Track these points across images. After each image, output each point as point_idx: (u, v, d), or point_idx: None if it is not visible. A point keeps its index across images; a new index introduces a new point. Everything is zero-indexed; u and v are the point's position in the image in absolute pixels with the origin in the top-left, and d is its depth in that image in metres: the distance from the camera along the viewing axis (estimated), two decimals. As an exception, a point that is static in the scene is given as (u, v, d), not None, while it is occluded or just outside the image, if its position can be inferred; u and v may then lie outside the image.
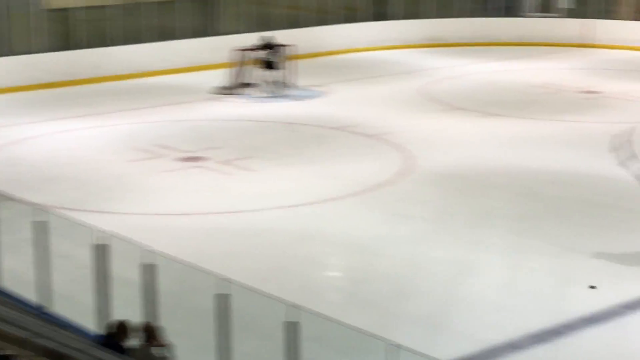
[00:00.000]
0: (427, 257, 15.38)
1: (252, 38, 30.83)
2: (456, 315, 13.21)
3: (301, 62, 30.42)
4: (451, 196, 18.53)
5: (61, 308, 12.60)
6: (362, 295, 14.09)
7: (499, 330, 12.66)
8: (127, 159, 21.23)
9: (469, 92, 28.36)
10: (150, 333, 9.93)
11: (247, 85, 28.37)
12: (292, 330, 9.34)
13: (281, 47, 27.85)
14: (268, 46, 27.39)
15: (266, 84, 27.50)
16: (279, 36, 29.33)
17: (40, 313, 12.35)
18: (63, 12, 30.95)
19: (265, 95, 27.45)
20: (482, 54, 34.14)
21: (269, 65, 27.38)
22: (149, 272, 11.02)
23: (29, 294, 12.85)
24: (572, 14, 37.14)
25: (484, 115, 25.39)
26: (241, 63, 28.55)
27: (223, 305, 10.11)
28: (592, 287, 13.99)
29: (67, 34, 30.82)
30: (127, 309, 11.17)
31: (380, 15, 36.47)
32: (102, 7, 30.96)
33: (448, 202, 18.16)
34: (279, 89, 27.61)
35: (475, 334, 12.59)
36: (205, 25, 33.35)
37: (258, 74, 27.85)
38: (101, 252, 11.61)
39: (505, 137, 23.05)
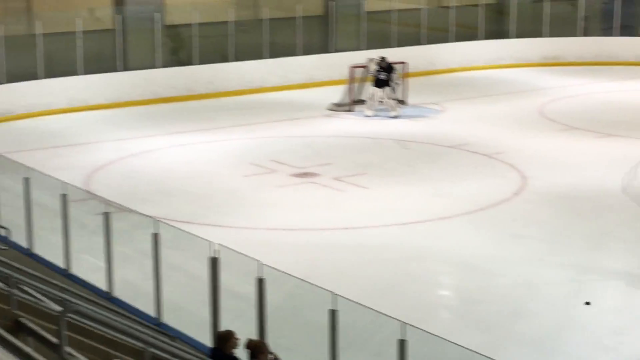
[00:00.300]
0: (541, 278, 15.16)
1: (369, 55, 30.94)
2: (570, 338, 12.99)
3: (417, 80, 30.36)
4: (566, 217, 18.24)
5: (175, 320, 12.75)
6: (473, 315, 13.97)
7: (614, 355, 12.41)
8: (241, 174, 21.44)
9: (587, 111, 27.90)
10: (259, 348, 9.97)
11: (362, 102, 28.42)
12: (402, 348, 9.31)
13: (395, 65, 27.80)
14: (382, 64, 27.37)
15: (380, 102, 27.48)
16: (396, 53, 29.30)
17: (154, 324, 12.51)
18: (180, 28, 31.47)
19: (379, 112, 27.43)
20: (600, 74, 33.57)
21: (383, 82, 27.37)
22: (261, 285, 11.09)
23: (144, 305, 13.04)
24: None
25: (602, 135, 24.95)
26: (357, 80, 28.61)
27: (333, 321, 10.12)
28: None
29: (184, 49, 31.32)
30: (238, 322, 11.25)
31: (498, 33, 36.21)
32: (221, 23, 31.37)
33: (563, 223, 17.88)
34: (393, 107, 27.56)
35: (589, 357, 12.36)
36: (322, 42, 33.54)
37: (373, 91, 27.85)
38: (215, 265, 11.73)
39: (622, 158, 22.59)
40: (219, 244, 11.89)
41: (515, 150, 23.33)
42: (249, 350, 9.70)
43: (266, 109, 28.03)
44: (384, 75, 27.22)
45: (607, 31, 37.58)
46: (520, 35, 35.74)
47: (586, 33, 37.27)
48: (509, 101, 29.09)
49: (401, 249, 16.56)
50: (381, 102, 27.37)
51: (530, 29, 36.47)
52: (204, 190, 20.25)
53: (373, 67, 27.64)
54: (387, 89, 27.38)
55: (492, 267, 15.70)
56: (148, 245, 12.86)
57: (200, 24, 30.51)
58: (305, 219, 18.15)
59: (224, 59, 31.01)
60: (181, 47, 31.57)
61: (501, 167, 21.92)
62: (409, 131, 25.58)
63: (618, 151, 23.31)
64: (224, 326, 11.43)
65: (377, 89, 27.34)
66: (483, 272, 15.52)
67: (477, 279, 15.26)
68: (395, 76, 27.55)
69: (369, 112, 27.32)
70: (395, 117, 27.02)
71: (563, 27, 36.44)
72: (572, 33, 36.51)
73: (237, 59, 31.04)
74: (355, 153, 23.41)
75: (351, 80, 28.32)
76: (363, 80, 28.52)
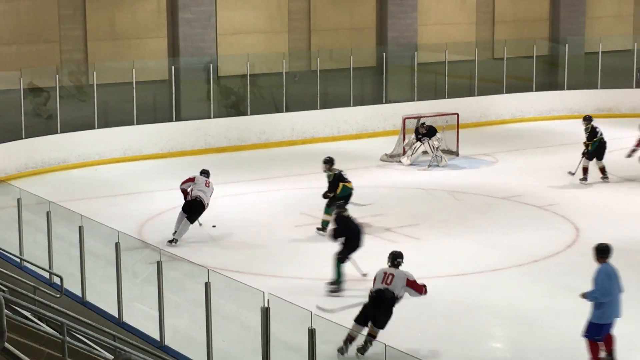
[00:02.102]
0: (595, 331, 14.96)
1: (423, 106, 31.05)
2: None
3: (468, 131, 30.33)
4: (620, 270, 18.00)
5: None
6: (526, 368, 13.82)
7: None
8: (293, 224, 21.48)
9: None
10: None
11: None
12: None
13: (435, 127, 27.77)
14: (421, 130, 27.39)
15: (433, 152, 27.49)
16: (448, 104, 29.43)
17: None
18: (234, 79, 31.76)
19: (432, 163, 27.42)
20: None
21: (432, 132, 27.39)
22: (312, 336, 11.07)
23: (195, 354, 13.06)
24: None
25: (657, 188, 24.75)
26: (411, 131, 28.69)
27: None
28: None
29: (237, 100, 31.60)
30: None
31: (550, 85, 36.18)
32: (274, 74, 31.65)
33: (617, 276, 17.66)
34: (445, 158, 27.55)
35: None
36: (375, 93, 33.68)
37: (426, 142, 27.91)
38: (266, 315, 11.73)
39: (678, 211, 22.40)
40: (271, 293, 11.90)
41: (568, 202, 23.18)
42: None
43: (318, 160, 27.99)
44: (425, 140, 27.25)
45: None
46: (573, 87, 35.66)
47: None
48: (562, 152, 28.91)
49: (453, 301, 16.47)
50: (434, 152, 27.35)
51: (584, 81, 36.39)
52: (256, 239, 20.30)
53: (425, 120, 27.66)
54: (439, 139, 27.40)
55: (545, 320, 15.56)
56: (200, 295, 12.90)
57: (253, 75, 30.78)
58: (356, 270, 18.09)
59: (277, 109, 31.24)
60: (234, 98, 31.85)
61: (554, 219, 21.78)
62: (461, 182, 25.53)
63: (673, 204, 23.11)
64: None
65: (430, 139, 27.37)
66: (536, 324, 15.39)
67: (529, 332, 15.13)
68: (437, 138, 27.52)
69: (424, 163, 27.33)
70: (448, 167, 26.99)
71: (617, 79, 36.29)
72: (626, 85, 36.35)
73: (290, 109, 31.25)
74: (408, 204, 23.39)
75: (404, 131, 28.36)
76: (417, 131, 28.65)
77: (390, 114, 31.65)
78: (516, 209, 22.81)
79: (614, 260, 17.99)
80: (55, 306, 12.86)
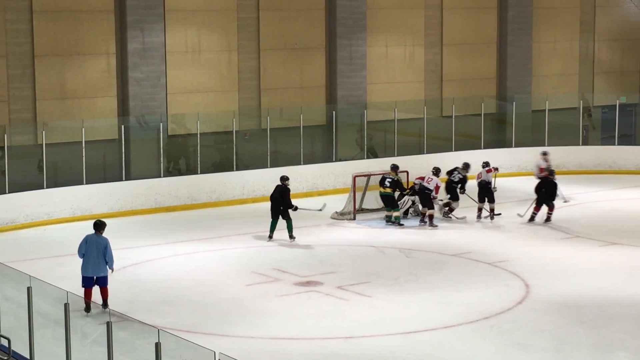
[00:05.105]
0: (547, 388, 15.02)
1: (373, 164, 31.20)
2: None
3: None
4: (571, 326, 18.15)
5: None
6: None
7: None
8: (244, 283, 21.40)
9: (590, 220, 27.96)
10: None
11: (366, 210, 28.60)
12: None
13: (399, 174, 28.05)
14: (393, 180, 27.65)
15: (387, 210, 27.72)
16: (397, 162, 29.52)
17: None
18: (183, 138, 31.75)
19: (384, 220, 27.58)
20: (602, 182, 33.75)
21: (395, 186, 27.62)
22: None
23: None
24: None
25: (605, 244, 24.96)
26: (361, 188, 28.84)
27: None
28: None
29: (187, 159, 31.58)
30: None
31: (499, 142, 36.55)
32: (224, 132, 31.68)
33: (567, 332, 17.78)
34: (397, 216, 27.72)
35: None
36: (325, 151, 33.81)
37: (378, 199, 28.09)
38: (217, 375, 11.63)
39: (626, 267, 22.58)
40: (222, 353, 11.81)
41: (518, 258, 23.32)
42: None
43: (269, 218, 28.07)
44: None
45: (607, 140, 37.91)
46: (521, 144, 36.05)
47: (586, 142, 37.62)
48: (510, 210, 29.15)
49: (405, 359, 16.43)
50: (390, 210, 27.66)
51: (531, 138, 36.81)
52: (206, 299, 20.19)
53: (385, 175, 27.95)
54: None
55: (497, 376, 15.56)
56: (150, 355, 12.76)
57: (203, 134, 30.79)
58: (308, 328, 18.06)
59: (227, 168, 31.24)
60: (184, 157, 31.82)
61: (504, 275, 21.88)
62: (412, 240, 25.61)
63: (623, 259, 23.30)
64: None
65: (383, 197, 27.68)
66: (488, 382, 15.38)
67: (482, 389, 15.11)
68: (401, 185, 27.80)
69: (374, 221, 27.58)
70: (398, 225, 27.11)
71: (564, 136, 36.76)
72: (572, 142, 36.82)
73: (240, 168, 31.27)
74: (358, 261, 23.40)
75: (354, 189, 28.46)
76: (368, 188, 28.82)
77: (341, 172, 31.79)
78: (467, 266, 22.90)
79: (563, 316, 18.14)
80: (3, 369, 12.66)
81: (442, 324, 18.30)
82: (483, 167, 28.44)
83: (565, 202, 29.44)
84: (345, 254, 24.18)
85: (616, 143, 36.64)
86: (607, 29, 42.26)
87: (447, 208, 28.10)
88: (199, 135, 30.47)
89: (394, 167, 27.98)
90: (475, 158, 33.35)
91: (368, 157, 33.16)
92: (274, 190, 25.80)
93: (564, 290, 20.51)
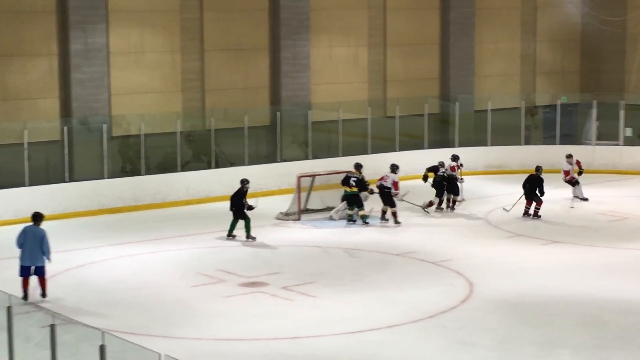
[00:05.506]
0: (491, 386, 15.15)
1: (317, 164, 31.23)
2: None
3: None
4: (514, 324, 18.31)
5: None
6: None
7: None
8: (189, 284, 21.34)
9: (532, 219, 28.20)
10: None
11: (311, 211, 28.64)
12: None
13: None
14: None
15: (331, 210, 27.82)
16: (342, 163, 29.67)
17: None
18: (127, 139, 31.56)
19: (329, 220, 27.69)
20: (545, 181, 34.00)
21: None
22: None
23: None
24: (635, 142, 37.11)
25: (548, 242, 25.23)
26: (306, 189, 28.85)
27: None
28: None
29: (131, 160, 31.40)
30: None
31: (442, 142, 36.76)
32: (168, 134, 31.55)
33: (511, 330, 17.94)
34: (342, 216, 27.82)
35: None
36: (269, 152, 33.81)
37: (323, 199, 28.19)
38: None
39: (569, 265, 22.84)
40: (167, 355, 11.78)
41: (463, 257, 23.49)
42: None
43: (214, 219, 28.02)
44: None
45: (548, 140, 38.29)
46: (464, 144, 36.29)
47: (528, 142, 37.96)
48: (455, 209, 29.37)
49: (351, 358, 16.47)
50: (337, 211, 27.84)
51: (474, 138, 37.09)
52: (151, 301, 20.10)
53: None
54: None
55: (442, 375, 15.65)
56: (95, 358, 12.69)
57: (147, 135, 30.63)
58: (253, 329, 18.05)
59: (171, 169, 31.11)
60: (128, 158, 31.63)
61: (448, 274, 22.02)
62: (356, 239, 25.69)
63: (565, 257, 23.57)
64: None
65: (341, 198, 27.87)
66: (433, 380, 15.47)
67: (427, 388, 15.20)
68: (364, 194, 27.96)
69: (319, 221, 27.66)
70: (344, 225, 27.23)
71: (506, 136, 37.09)
72: (514, 142, 37.14)
73: (184, 169, 31.17)
74: (304, 262, 23.43)
75: (299, 189, 28.49)
76: (313, 189, 28.85)
77: (285, 173, 31.81)
78: (411, 265, 23.02)
79: (507, 314, 18.31)
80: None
81: (386, 323, 18.38)
82: (451, 160, 29.93)
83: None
84: (290, 255, 24.19)
85: (557, 143, 37.02)
86: (547, 29, 42.73)
87: (451, 202, 29.32)
88: (143, 136, 30.31)
89: (358, 166, 28.09)
90: (419, 158, 33.66)
91: (316, 158, 33.18)
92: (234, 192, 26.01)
93: (508, 289, 20.69)
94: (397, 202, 27.68)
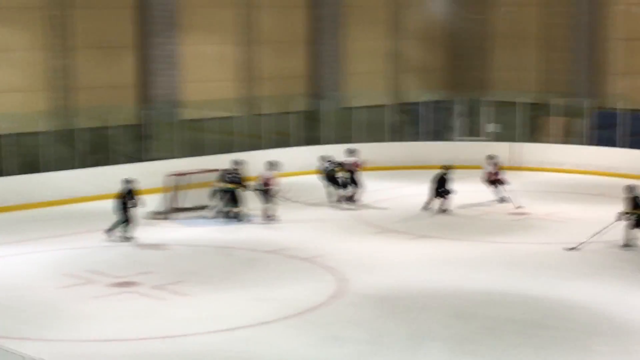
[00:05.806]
0: (363, 379, 15.28)
1: (184, 163, 31.04)
2: None
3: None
4: (385, 318, 18.51)
5: None
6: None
7: None
8: (58, 285, 20.97)
9: (401, 214, 28.58)
10: None
11: (181, 210, 28.45)
12: None
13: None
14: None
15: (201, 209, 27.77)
16: (211, 161, 29.51)
17: None
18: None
19: (202, 218, 27.63)
20: (412, 177, 34.51)
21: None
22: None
23: None
24: (500, 137, 37.92)
25: (416, 237, 25.58)
26: (175, 188, 28.64)
27: None
28: None
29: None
30: None
31: (310, 139, 36.94)
32: (34, 133, 30.96)
33: (382, 324, 18.12)
34: (215, 214, 27.78)
35: None
36: (137, 151, 33.46)
37: (191, 198, 28.04)
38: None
39: (437, 259, 23.19)
40: (34, 358, 11.57)
41: (333, 253, 23.63)
42: None
43: (81, 219, 27.62)
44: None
45: (414, 136, 38.85)
46: (330, 141, 36.50)
47: (394, 138, 38.43)
48: (325, 206, 29.55)
49: (223, 356, 16.44)
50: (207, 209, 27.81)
51: (340, 135, 37.34)
52: (16, 303, 19.68)
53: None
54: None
55: (315, 370, 15.73)
56: (-40, 362, 12.42)
57: (9, 135, 30.01)
58: (124, 329, 17.85)
59: (35, 169, 30.49)
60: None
61: (320, 270, 22.14)
62: (229, 238, 25.63)
63: (433, 251, 23.93)
64: None
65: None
66: (306, 375, 15.52)
67: (300, 383, 15.24)
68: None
69: (190, 219, 27.56)
70: (214, 223, 27.18)
71: (372, 133, 37.48)
72: (381, 139, 37.56)
73: (49, 169, 30.58)
74: (176, 261, 23.27)
75: (168, 188, 28.27)
76: (183, 187, 28.65)
77: (154, 172, 31.48)
78: (282, 262, 23.07)
79: (379, 308, 18.50)
80: None
81: (258, 320, 18.38)
82: (349, 155, 30.61)
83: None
84: (161, 254, 24.00)
85: (423, 139, 37.59)
86: (412, 27, 43.28)
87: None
88: (4, 136, 29.68)
89: (237, 162, 27.97)
90: (286, 155, 33.70)
91: (185, 156, 32.99)
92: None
93: (379, 284, 20.91)
94: (271, 199, 27.66)
